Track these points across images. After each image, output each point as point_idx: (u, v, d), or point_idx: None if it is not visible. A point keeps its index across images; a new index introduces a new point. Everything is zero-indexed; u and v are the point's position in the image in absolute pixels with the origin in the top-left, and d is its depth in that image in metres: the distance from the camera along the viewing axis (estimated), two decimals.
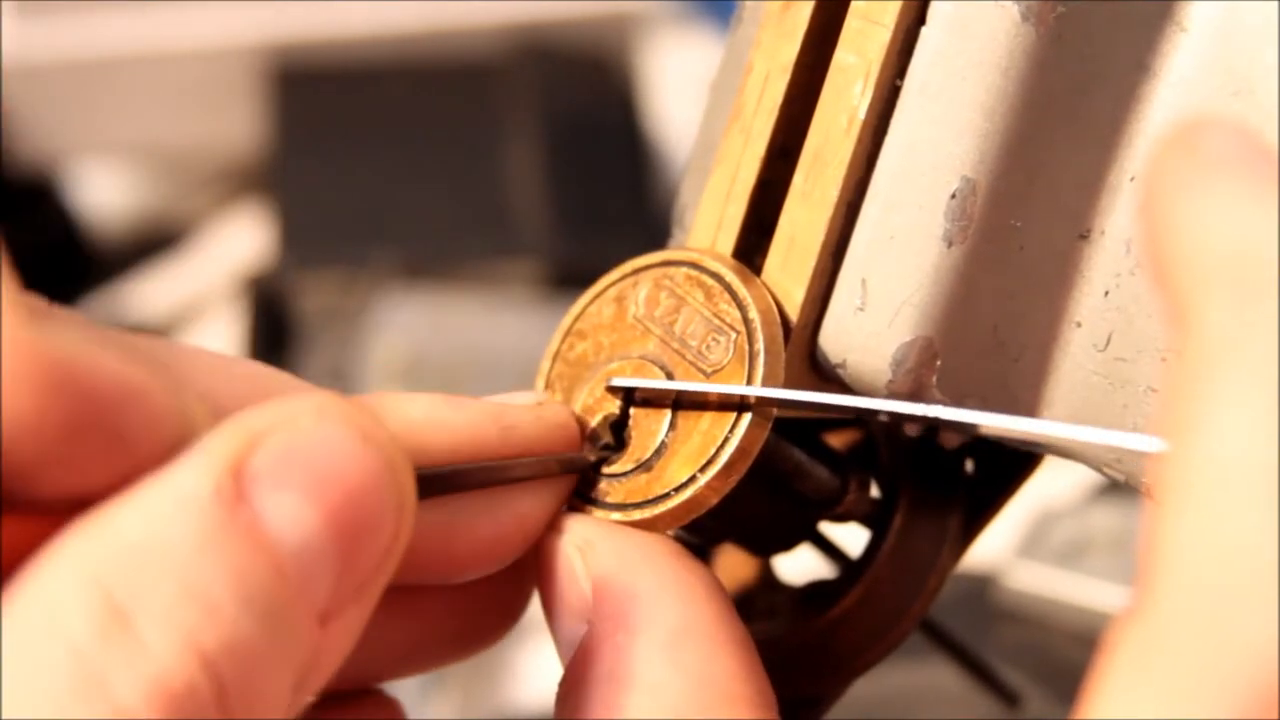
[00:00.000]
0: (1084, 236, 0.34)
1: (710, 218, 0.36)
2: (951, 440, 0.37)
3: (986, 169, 0.33)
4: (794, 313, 0.34)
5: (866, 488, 0.38)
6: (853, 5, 0.34)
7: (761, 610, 0.40)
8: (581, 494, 0.35)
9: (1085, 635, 0.66)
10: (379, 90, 1.04)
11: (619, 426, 0.35)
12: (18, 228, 1.06)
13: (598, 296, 0.37)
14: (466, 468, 0.32)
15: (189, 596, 0.25)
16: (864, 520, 0.38)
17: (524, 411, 0.34)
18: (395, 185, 1.00)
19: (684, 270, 0.36)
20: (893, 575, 0.37)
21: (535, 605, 0.35)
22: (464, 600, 0.35)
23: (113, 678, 0.24)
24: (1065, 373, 0.34)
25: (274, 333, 0.96)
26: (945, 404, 0.34)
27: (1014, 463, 0.38)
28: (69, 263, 1.07)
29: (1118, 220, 0.34)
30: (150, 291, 1.04)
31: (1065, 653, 0.67)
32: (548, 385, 0.37)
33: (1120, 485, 0.34)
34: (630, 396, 0.35)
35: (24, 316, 0.26)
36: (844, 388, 0.35)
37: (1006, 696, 0.49)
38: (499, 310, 0.91)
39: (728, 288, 0.35)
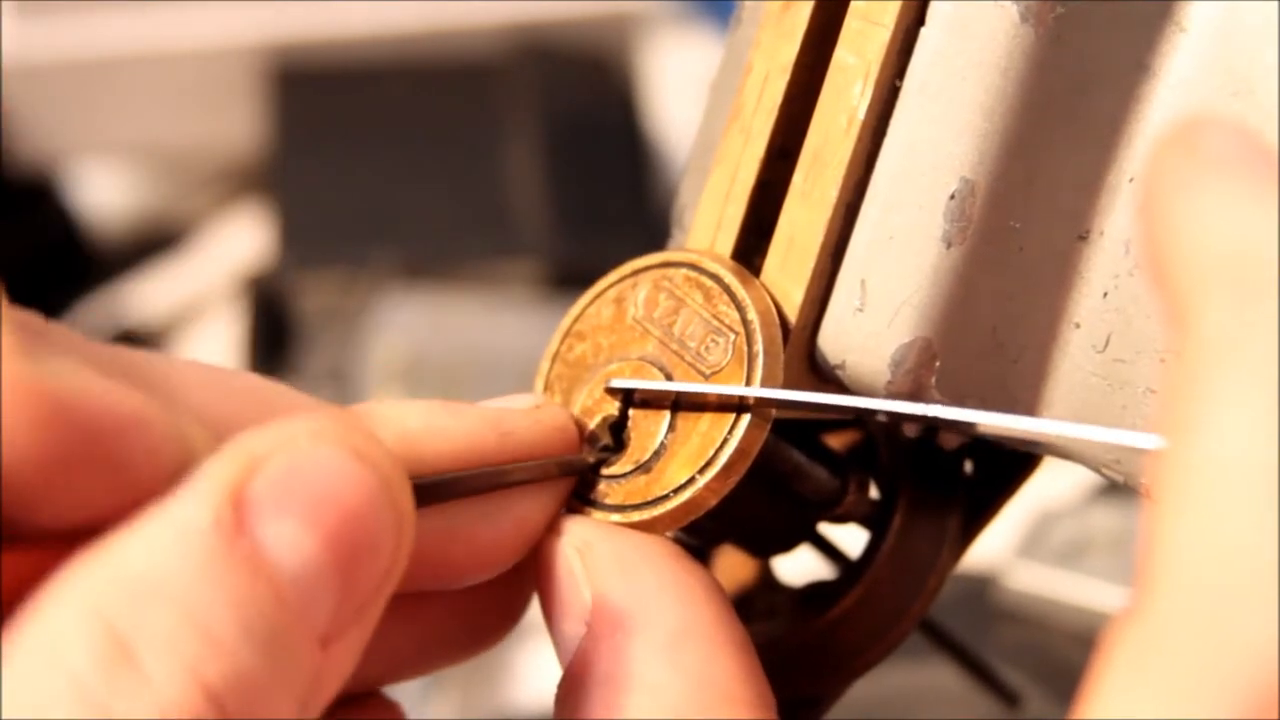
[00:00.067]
0: (1083, 237, 0.34)
1: (709, 218, 0.36)
2: (951, 441, 0.37)
3: (986, 170, 0.33)
4: (793, 314, 0.34)
5: (866, 488, 0.38)
6: (852, 5, 0.34)
7: (761, 611, 0.40)
8: (580, 495, 0.35)
9: (1085, 635, 0.66)
10: (379, 90, 1.04)
11: (618, 428, 0.35)
12: (18, 228, 1.06)
13: (597, 298, 0.37)
14: (465, 474, 0.32)
15: (191, 627, 0.25)
16: (863, 521, 0.38)
17: (522, 416, 0.34)
18: (395, 185, 1.00)
19: (683, 271, 0.36)
20: (892, 576, 0.37)
21: (535, 606, 0.35)
22: (464, 603, 0.35)
23: (115, 709, 0.24)
24: (1064, 374, 0.34)
25: (274, 333, 0.96)
26: (944, 405, 0.34)
27: (1013, 463, 0.38)
28: (69, 263, 1.07)
29: (1117, 221, 0.34)
30: (150, 291, 1.04)
31: (1065, 653, 0.67)
32: (547, 386, 0.37)
33: (1120, 485, 0.34)
34: (629, 398, 0.35)
35: (22, 347, 0.26)
36: (843, 389, 0.35)
37: (1007, 696, 0.49)
38: (499, 310, 0.91)
39: (726, 289, 0.35)
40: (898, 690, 0.64)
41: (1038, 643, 0.68)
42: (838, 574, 0.39)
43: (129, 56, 1.04)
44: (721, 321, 0.35)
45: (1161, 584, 0.23)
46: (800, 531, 0.40)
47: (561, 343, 0.37)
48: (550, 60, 1.05)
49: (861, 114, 0.34)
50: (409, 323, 0.89)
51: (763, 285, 0.35)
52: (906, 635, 0.37)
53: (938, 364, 0.34)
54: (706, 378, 0.34)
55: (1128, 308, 0.33)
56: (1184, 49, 0.33)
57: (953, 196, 0.33)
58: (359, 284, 0.94)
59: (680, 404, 0.35)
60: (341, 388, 0.87)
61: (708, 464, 0.34)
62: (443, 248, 0.96)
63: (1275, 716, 0.22)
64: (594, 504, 0.35)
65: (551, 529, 0.34)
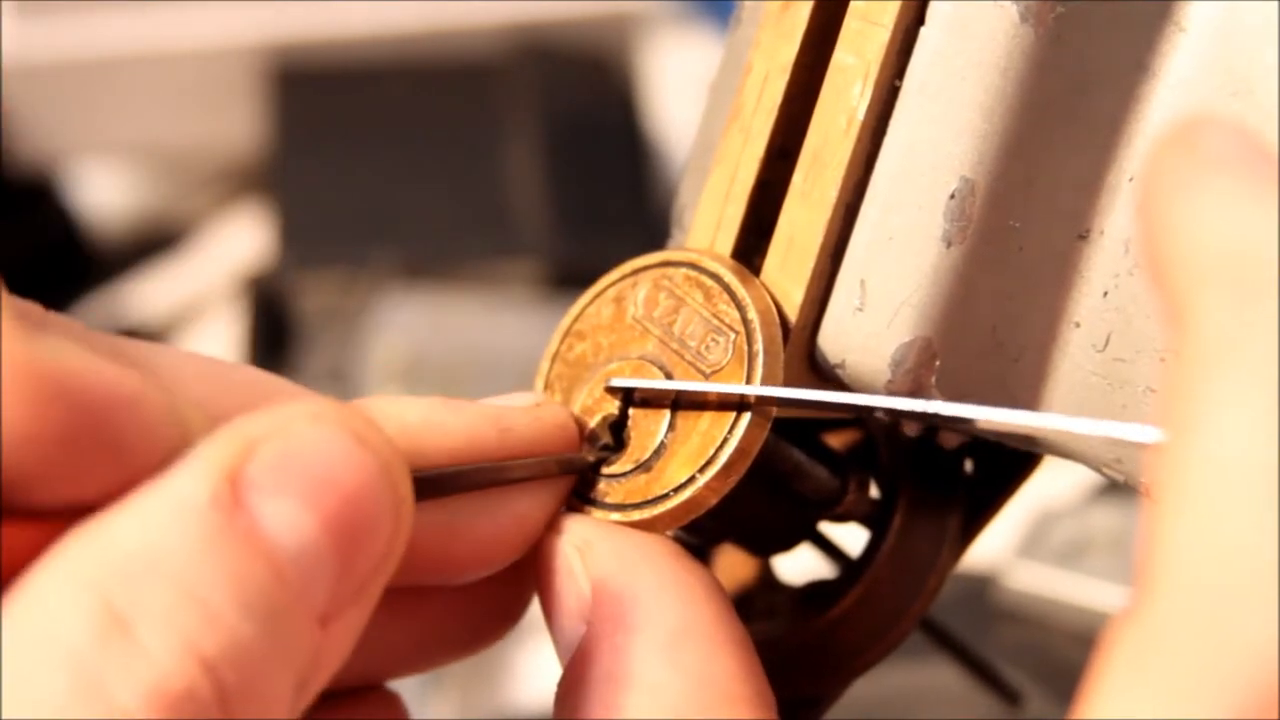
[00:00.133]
0: (1083, 237, 0.34)
1: (709, 218, 0.36)
2: (951, 440, 0.37)
3: (985, 169, 0.33)
4: (793, 313, 0.34)
5: (866, 488, 0.38)
6: (852, 5, 0.34)
7: (761, 610, 0.40)
8: (581, 494, 0.35)
9: (1085, 635, 0.66)
10: (379, 90, 1.04)
11: (618, 427, 0.35)
12: (18, 228, 1.06)
13: (597, 297, 0.37)
14: (465, 469, 0.32)
15: (188, 602, 0.25)
16: (864, 520, 0.38)
17: (522, 413, 0.34)
18: (395, 185, 1.00)
19: (683, 271, 0.36)
20: (892, 575, 0.37)
21: (535, 606, 0.35)
22: (464, 601, 0.36)
23: (112, 682, 0.24)
24: (1064, 373, 0.34)
25: (274, 333, 0.96)
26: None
27: (1013, 463, 0.38)
28: (69, 263, 1.07)
29: (1116, 221, 0.34)
30: (150, 291, 1.04)
31: (1065, 653, 0.67)
32: (547, 386, 0.37)
33: (1120, 485, 0.34)
34: (629, 397, 0.35)
35: (19, 328, 0.26)
36: (843, 388, 0.35)
37: (1007, 696, 0.49)
38: (499, 310, 0.91)
39: (726, 288, 0.35)
40: (898, 690, 0.64)
41: (1038, 642, 0.68)
42: (838, 573, 0.39)
43: (129, 56, 1.04)
44: (722, 320, 0.35)
45: (1161, 584, 0.23)
46: (800, 531, 0.40)
47: (561, 342, 0.37)
48: (550, 60, 1.05)
49: (861, 114, 0.34)
50: (409, 323, 0.89)
51: (763, 285, 0.35)
52: (907, 635, 0.38)
53: (938, 363, 0.34)
54: (707, 377, 0.34)
55: (1128, 307, 0.33)
56: (1184, 49, 0.33)
57: (952, 196, 0.33)
58: (359, 284, 0.94)
59: (680, 403, 0.35)
60: (341, 388, 0.87)
61: (708, 463, 0.34)
62: (443, 248, 0.96)
63: (1275, 717, 0.22)
64: (594, 503, 0.35)
65: (551, 527, 0.34)
